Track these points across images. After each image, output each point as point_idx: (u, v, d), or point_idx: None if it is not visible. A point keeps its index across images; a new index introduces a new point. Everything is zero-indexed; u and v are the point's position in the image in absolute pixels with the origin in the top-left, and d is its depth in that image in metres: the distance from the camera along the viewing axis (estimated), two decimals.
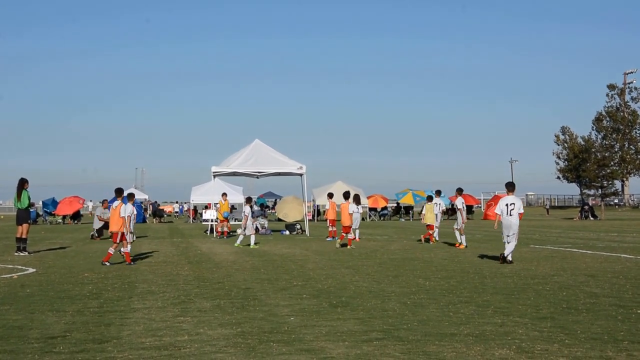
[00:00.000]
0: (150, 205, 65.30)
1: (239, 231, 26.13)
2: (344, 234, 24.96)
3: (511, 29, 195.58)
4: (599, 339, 8.28)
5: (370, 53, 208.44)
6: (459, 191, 25.40)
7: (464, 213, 24.72)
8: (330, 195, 31.23)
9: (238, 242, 25.19)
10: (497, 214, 18.02)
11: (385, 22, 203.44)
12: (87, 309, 10.77)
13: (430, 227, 26.25)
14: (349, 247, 24.01)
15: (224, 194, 33.48)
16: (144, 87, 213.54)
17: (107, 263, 17.91)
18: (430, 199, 27.09)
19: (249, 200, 26.85)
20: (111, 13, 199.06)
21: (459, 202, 24.69)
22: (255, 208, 42.80)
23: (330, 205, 30.77)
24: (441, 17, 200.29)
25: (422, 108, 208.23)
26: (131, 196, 20.14)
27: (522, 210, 17.87)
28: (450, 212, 64.90)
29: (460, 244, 23.95)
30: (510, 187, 18.20)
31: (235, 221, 40.53)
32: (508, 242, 17.68)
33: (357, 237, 27.75)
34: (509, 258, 17.56)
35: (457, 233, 24.24)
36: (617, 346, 7.93)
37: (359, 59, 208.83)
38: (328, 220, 30.42)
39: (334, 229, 29.21)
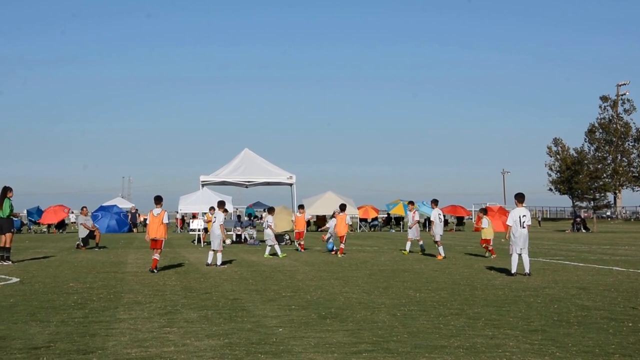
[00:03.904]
0: (131, 215, 63.52)
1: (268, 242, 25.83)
2: (342, 246, 25.76)
3: (503, 39, 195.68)
4: (590, 352, 8.22)
5: (361, 61, 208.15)
6: (435, 202, 25.60)
7: (437, 226, 24.49)
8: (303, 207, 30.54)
9: (267, 253, 25.11)
10: (509, 225, 17.79)
11: (374, 29, 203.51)
12: (71, 319, 10.67)
13: (487, 241, 24.79)
14: (339, 255, 25.05)
15: (213, 208, 33.12)
16: (131, 95, 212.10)
17: (155, 270, 18.46)
18: (484, 211, 26.37)
19: (271, 210, 26.81)
20: (95, 19, 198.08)
21: (435, 214, 24.92)
22: (244, 218, 42.63)
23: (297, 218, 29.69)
24: (432, 25, 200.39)
25: (413, 118, 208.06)
26: (221, 204, 21.59)
27: (530, 222, 17.74)
28: (444, 223, 64.86)
29: (439, 254, 24.24)
30: (520, 198, 17.88)
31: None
32: (521, 254, 17.52)
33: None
34: (529, 270, 17.40)
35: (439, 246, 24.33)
36: (608, 359, 7.85)
37: (349, 67, 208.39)
38: (295, 233, 29.69)
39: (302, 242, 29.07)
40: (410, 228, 26.50)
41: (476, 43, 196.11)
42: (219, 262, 20.40)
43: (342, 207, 27.44)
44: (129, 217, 61.34)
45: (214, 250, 20.66)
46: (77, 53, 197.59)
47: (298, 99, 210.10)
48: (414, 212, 26.71)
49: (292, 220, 28.72)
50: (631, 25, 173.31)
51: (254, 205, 68.52)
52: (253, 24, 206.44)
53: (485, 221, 25.07)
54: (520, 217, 17.49)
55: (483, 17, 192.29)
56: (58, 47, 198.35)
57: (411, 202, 28.16)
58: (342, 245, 25.81)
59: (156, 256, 18.79)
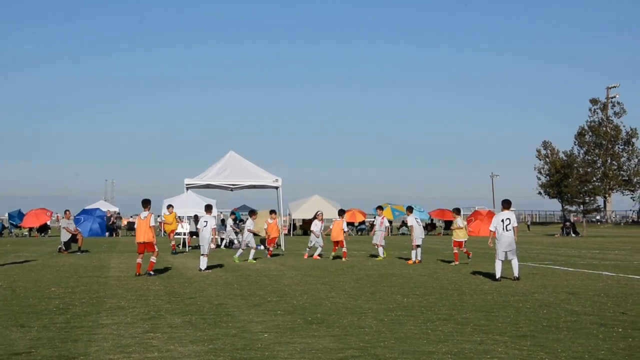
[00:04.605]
0: (106, 218, 61.98)
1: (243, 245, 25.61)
2: (336, 248, 26.38)
3: (493, 41, 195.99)
4: (579, 358, 8.16)
5: (346, 62, 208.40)
6: (410, 209, 25.55)
7: (417, 230, 24.34)
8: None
9: (248, 257, 24.84)
10: (491, 230, 17.73)
11: (361, 30, 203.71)
12: (53, 324, 10.55)
13: (457, 244, 24.01)
14: (344, 259, 25.31)
15: (170, 206, 32.28)
16: (114, 97, 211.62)
17: (152, 272, 18.75)
18: (457, 211, 25.10)
19: (252, 213, 26.58)
20: (78, 21, 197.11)
21: (412, 219, 24.77)
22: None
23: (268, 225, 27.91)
24: (421, 26, 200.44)
25: (401, 120, 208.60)
26: (209, 208, 21.62)
27: (515, 224, 17.72)
28: (430, 227, 64.91)
29: (409, 259, 24.23)
30: (506, 204, 17.89)
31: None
32: (509, 259, 17.57)
33: (316, 254, 27.18)
34: (517, 275, 17.45)
35: (413, 250, 24.15)
36: None
37: (334, 68, 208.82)
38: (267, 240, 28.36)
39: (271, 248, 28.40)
40: (374, 233, 26.64)
41: (466, 45, 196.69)
42: (202, 267, 20.29)
43: (340, 212, 27.77)
44: (106, 221, 60.14)
45: (202, 254, 20.55)
46: (61, 55, 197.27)
47: (284, 101, 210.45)
48: (383, 218, 26.95)
49: (264, 229, 27.76)
50: (622, 28, 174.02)
51: (239, 209, 68.22)
52: (241, 25, 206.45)
53: (460, 221, 24.29)
54: (502, 221, 17.48)
55: (473, 20, 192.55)
56: (44, 50, 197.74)
57: (379, 207, 28.29)
58: (343, 249, 26.12)
59: (153, 259, 19.01)
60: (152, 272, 18.70)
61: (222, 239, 37.43)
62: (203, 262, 20.36)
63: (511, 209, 18.05)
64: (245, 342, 9.11)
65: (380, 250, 26.32)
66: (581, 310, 12.04)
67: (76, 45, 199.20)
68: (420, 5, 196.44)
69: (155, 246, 18.99)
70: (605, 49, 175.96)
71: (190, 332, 9.88)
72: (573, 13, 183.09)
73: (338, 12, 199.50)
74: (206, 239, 20.48)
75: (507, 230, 17.44)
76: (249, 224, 25.52)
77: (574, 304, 12.86)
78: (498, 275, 17.35)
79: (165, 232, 35.21)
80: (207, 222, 20.76)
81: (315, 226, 27.29)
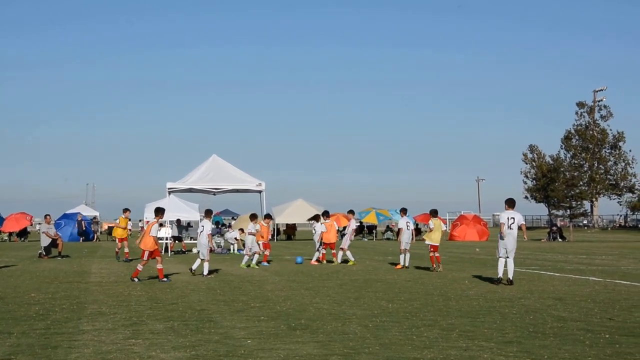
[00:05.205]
0: (77, 223, 59.63)
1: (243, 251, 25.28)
2: (327, 251, 26.63)
3: (479, 43, 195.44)
4: None
5: (334, 65, 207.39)
6: (403, 211, 25.27)
7: (405, 234, 24.10)
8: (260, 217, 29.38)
9: (245, 262, 24.62)
10: (502, 223, 17.90)
11: (345, 31, 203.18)
12: (33, 330, 10.45)
13: (434, 248, 22.73)
14: (334, 262, 25.79)
15: (127, 210, 29.76)
16: (94, 99, 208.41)
17: (136, 279, 18.44)
18: (434, 213, 23.64)
19: (253, 217, 26.24)
20: (58, 23, 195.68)
21: (403, 223, 24.50)
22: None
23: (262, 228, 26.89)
24: (408, 27, 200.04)
25: (386, 124, 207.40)
26: (209, 213, 22.03)
27: (523, 222, 17.98)
28: (414, 231, 64.77)
29: (398, 264, 24.06)
30: (510, 203, 18.02)
31: (191, 239, 39.31)
32: (507, 257, 17.76)
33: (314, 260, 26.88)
34: (512, 278, 17.59)
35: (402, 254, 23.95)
36: None
37: (322, 71, 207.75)
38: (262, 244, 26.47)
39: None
40: (347, 236, 26.69)
41: (451, 47, 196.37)
42: (205, 272, 20.20)
43: (325, 214, 27.66)
44: (76, 225, 58.00)
45: (201, 259, 20.51)
46: (42, 59, 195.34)
47: (267, 104, 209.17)
48: (352, 222, 27.30)
49: (257, 231, 27.16)
50: (610, 31, 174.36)
51: (221, 213, 67.98)
52: (221, 28, 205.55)
53: (431, 224, 23.00)
54: (508, 219, 17.71)
55: (459, 21, 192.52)
56: (24, 54, 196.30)
57: (351, 212, 28.30)
58: (333, 251, 26.44)
59: (139, 267, 18.89)
60: (135, 279, 18.46)
61: None
62: (205, 268, 20.28)
63: (496, 213, 18.07)
64: (228, 348, 9.04)
65: (349, 253, 25.99)
66: (568, 316, 12.02)
67: (57, 48, 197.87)
68: (405, 7, 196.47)
69: (145, 254, 18.86)
70: (592, 52, 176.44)
71: (172, 338, 9.79)
72: (561, 15, 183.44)
73: (321, 12, 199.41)
74: (202, 244, 20.48)
75: (511, 229, 17.62)
76: (251, 227, 25.12)
77: (561, 310, 12.83)
78: (500, 274, 17.60)
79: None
80: (203, 227, 20.74)
81: (319, 227, 27.33)
